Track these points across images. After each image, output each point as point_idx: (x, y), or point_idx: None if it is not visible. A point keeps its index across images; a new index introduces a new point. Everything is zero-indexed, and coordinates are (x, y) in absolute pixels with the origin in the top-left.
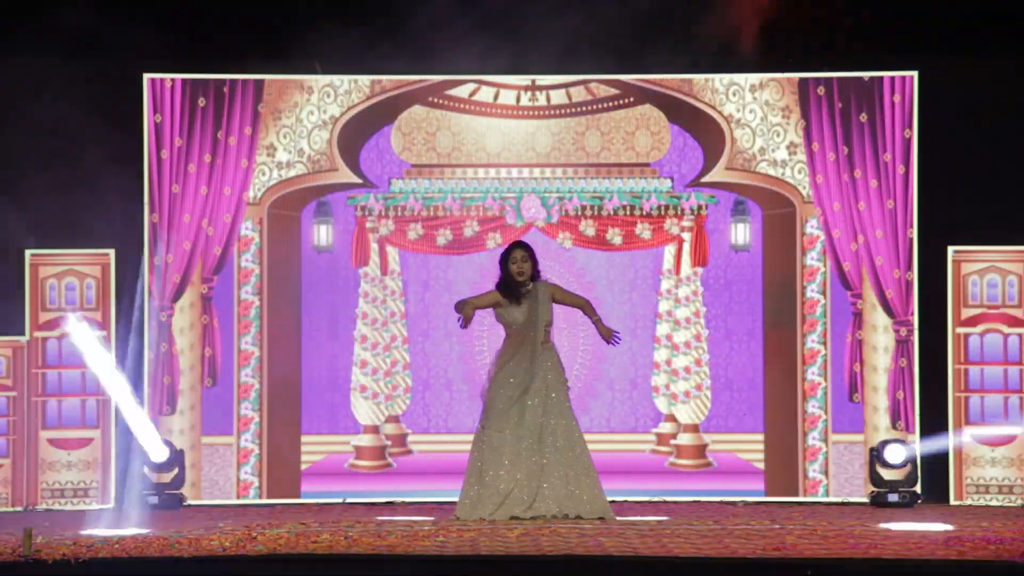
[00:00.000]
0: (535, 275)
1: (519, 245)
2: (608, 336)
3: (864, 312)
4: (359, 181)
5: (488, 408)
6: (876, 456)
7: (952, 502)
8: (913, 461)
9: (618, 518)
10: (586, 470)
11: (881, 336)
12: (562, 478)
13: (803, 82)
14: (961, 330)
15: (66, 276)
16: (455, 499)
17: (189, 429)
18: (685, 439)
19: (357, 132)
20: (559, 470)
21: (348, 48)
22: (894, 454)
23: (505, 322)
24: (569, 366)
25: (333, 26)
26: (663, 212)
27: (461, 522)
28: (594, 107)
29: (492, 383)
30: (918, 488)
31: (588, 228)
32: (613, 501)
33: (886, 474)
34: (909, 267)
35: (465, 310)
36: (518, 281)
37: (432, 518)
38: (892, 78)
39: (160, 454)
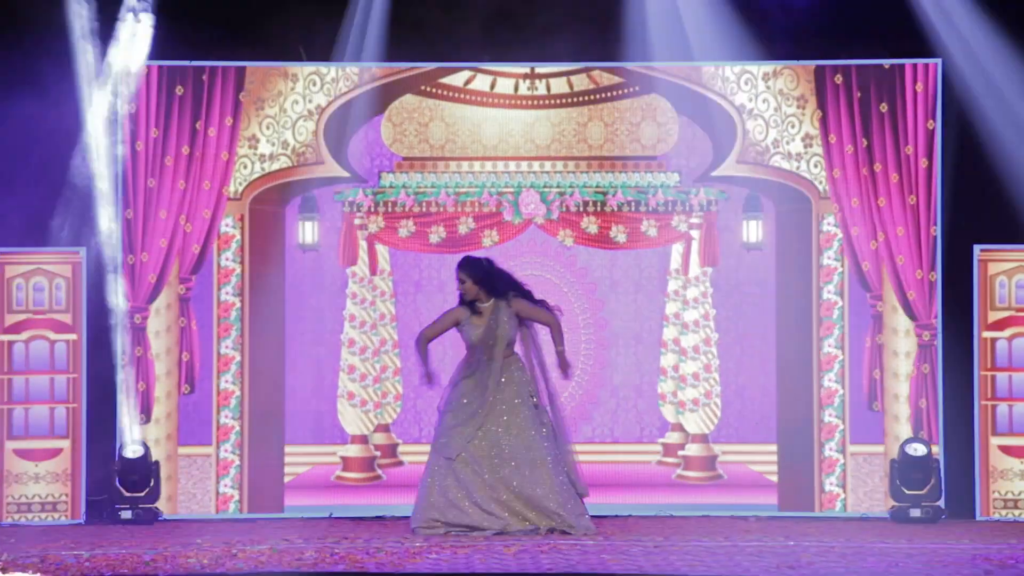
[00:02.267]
0: (494, 290)
1: (459, 265)
2: (564, 367)
3: (884, 315)
4: (347, 175)
5: (439, 430)
6: (896, 463)
7: (978, 518)
8: (936, 466)
9: (624, 534)
10: (544, 483)
11: (902, 340)
12: (516, 495)
13: (819, 70)
14: (988, 334)
15: (34, 276)
16: None
17: (165, 439)
18: (693, 450)
19: (345, 123)
20: (512, 486)
21: (335, 33)
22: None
23: (465, 339)
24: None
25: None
26: (670, 208)
27: (417, 532)
28: (597, 96)
29: (447, 403)
30: (942, 503)
31: (590, 225)
32: (616, 516)
33: (907, 487)
34: (932, 267)
35: (427, 371)
36: (478, 303)
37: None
38: (914, 65)
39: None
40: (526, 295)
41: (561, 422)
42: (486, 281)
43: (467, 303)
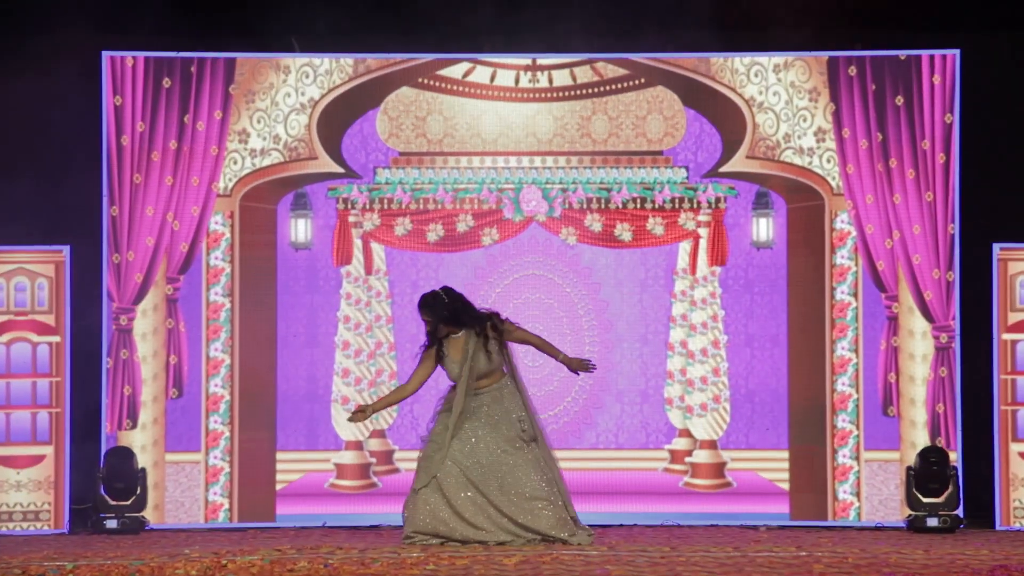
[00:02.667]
0: (461, 323)
1: (418, 307)
2: (581, 367)
3: (900, 316)
4: (341, 171)
5: (419, 458)
6: (913, 471)
7: (998, 527)
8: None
9: (629, 544)
10: (534, 503)
11: (919, 343)
12: (505, 515)
13: (832, 61)
14: (1008, 336)
15: (15, 275)
16: None
17: (152, 445)
18: (701, 457)
19: (339, 116)
20: (501, 506)
21: (329, 23)
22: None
23: (447, 374)
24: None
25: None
26: (677, 205)
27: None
28: (601, 89)
29: (430, 436)
30: (960, 511)
31: (594, 223)
32: (621, 525)
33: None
34: (950, 266)
35: (366, 411)
36: (439, 338)
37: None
38: (932, 56)
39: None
40: (490, 320)
41: (547, 441)
42: (451, 317)
43: (439, 340)
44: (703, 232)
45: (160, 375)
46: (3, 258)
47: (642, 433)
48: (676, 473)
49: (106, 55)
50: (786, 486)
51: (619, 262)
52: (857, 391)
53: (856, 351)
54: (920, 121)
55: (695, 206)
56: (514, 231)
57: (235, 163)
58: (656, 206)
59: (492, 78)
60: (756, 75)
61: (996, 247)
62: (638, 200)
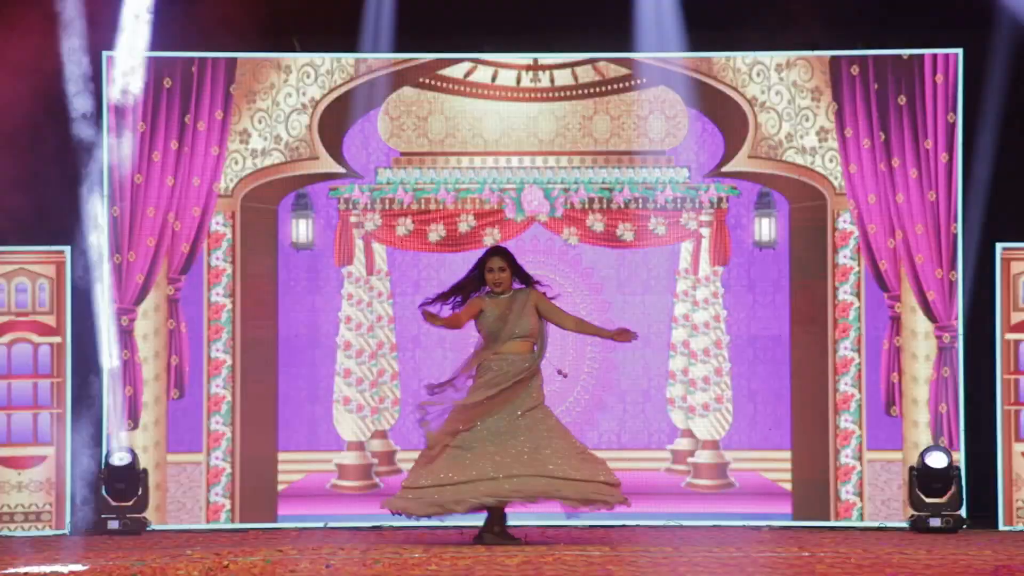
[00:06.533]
0: (523, 280)
1: (497, 252)
2: (622, 336)
3: (903, 316)
4: (342, 171)
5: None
6: (917, 471)
7: (1001, 527)
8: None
9: (631, 544)
10: (571, 453)
11: (921, 343)
12: (538, 460)
13: (835, 61)
14: (1011, 336)
15: (16, 276)
16: (448, 524)
17: (153, 446)
18: (704, 457)
19: (340, 116)
20: (533, 454)
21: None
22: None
23: (481, 330)
24: (575, 375)
25: None
26: (679, 205)
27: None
28: (603, 88)
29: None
30: (963, 511)
31: (596, 223)
32: (623, 526)
33: (928, 495)
34: (953, 266)
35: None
36: (496, 292)
37: (423, 545)
38: (934, 56)
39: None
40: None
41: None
42: (519, 271)
43: (486, 293)
44: (705, 232)
45: (161, 376)
46: (4, 259)
47: (644, 433)
48: (678, 473)
49: (107, 55)
50: (789, 486)
51: (621, 262)
52: (860, 391)
53: (859, 351)
54: (922, 120)
55: (697, 206)
56: (516, 231)
57: (236, 163)
58: (658, 206)
59: (494, 78)
60: (758, 75)
61: (999, 246)
62: (640, 200)
